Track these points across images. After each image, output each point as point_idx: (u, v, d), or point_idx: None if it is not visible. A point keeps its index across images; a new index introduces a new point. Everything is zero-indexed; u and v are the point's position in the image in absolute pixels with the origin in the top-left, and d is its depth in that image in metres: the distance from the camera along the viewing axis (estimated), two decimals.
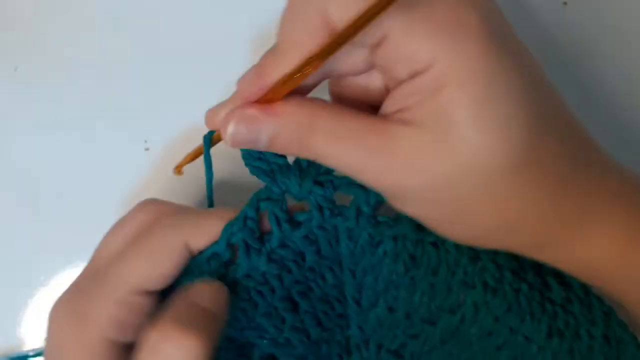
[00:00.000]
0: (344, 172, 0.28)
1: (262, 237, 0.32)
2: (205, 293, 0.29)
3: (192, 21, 0.43)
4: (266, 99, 0.28)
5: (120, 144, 0.42)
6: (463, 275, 0.31)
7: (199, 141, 0.38)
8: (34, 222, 0.42)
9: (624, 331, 0.32)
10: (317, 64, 0.26)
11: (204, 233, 0.31)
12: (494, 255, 0.32)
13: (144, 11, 0.43)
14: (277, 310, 0.32)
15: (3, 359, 0.40)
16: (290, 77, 0.27)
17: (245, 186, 0.38)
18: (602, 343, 0.32)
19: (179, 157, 0.42)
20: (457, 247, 0.31)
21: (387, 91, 0.29)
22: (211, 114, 0.31)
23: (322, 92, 0.31)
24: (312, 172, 0.31)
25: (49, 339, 0.30)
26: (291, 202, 0.32)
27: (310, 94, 0.30)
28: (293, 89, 0.27)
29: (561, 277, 0.33)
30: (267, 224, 0.32)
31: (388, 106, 0.28)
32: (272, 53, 0.28)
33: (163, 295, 0.30)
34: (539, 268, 0.33)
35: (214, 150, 0.36)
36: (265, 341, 0.33)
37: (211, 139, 0.32)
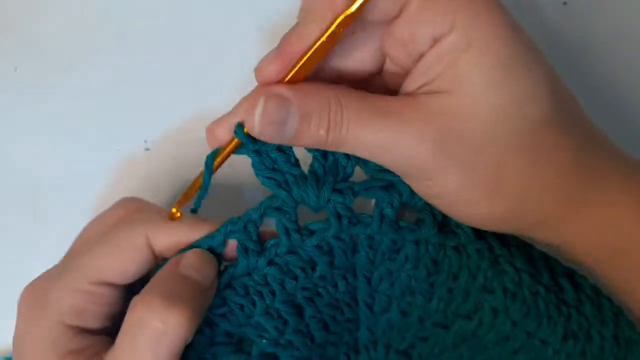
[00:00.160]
0: (375, 154, 0.27)
1: (262, 240, 0.31)
2: (194, 264, 0.29)
3: (193, 21, 0.43)
4: (288, 81, 0.27)
5: (121, 144, 0.42)
6: (483, 279, 0.31)
7: (198, 142, 0.38)
8: (34, 222, 0.42)
9: (632, 331, 0.32)
10: (339, 31, 0.26)
11: (167, 233, 0.30)
12: (512, 258, 0.32)
13: (145, 11, 0.43)
14: (279, 313, 0.32)
15: (3, 359, 0.40)
16: (313, 48, 0.26)
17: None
18: (613, 343, 0.32)
19: (179, 157, 0.42)
20: (479, 251, 0.31)
21: (402, 74, 0.29)
22: (211, 129, 0.30)
23: None
24: (329, 180, 0.30)
25: (16, 323, 0.31)
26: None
27: None
28: (316, 63, 0.27)
29: (572, 278, 0.33)
30: (267, 236, 0.31)
31: (409, 85, 0.28)
32: (290, 31, 0.28)
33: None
34: (551, 269, 0.33)
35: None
36: (264, 340, 0.33)
37: (213, 161, 0.30)
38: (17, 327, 0.31)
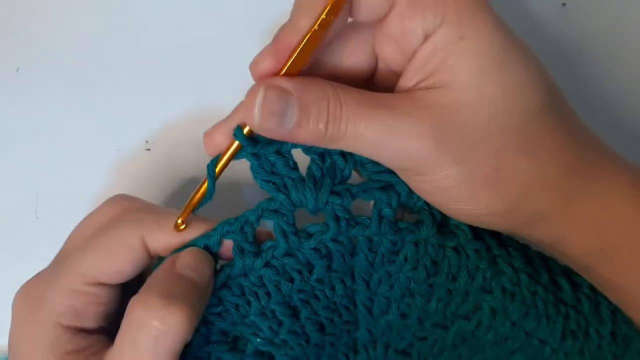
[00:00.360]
0: (373, 149, 0.27)
1: (259, 242, 0.31)
2: (190, 263, 0.29)
3: (194, 22, 0.43)
4: (284, 74, 0.27)
5: (121, 144, 0.42)
6: (482, 280, 0.31)
7: (199, 142, 0.38)
8: (34, 222, 0.42)
9: (629, 328, 0.32)
10: (330, 19, 0.26)
11: (163, 233, 0.30)
12: (510, 258, 0.32)
13: (145, 12, 0.43)
14: (274, 313, 0.32)
15: (3, 359, 0.40)
16: (305, 38, 0.26)
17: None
18: (611, 341, 0.32)
19: (180, 157, 0.42)
20: (477, 251, 0.31)
21: (396, 75, 0.29)
22: (209, 135, 0.30)
23: None
24: (327, 182, 0.30)
25: (11, 325, 0.31)
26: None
27: None
28: (310, 55, 0.27)
29: (569, 277, 0.33)
30: (263, 236, 0.31)
31: (404, 83, 0.28)
32: (284, 24, 0.28)
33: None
34: (548, 269, 0.33)
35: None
36: (259, 339, 0.33)
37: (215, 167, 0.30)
38: (12, 329, 0.31)
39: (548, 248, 0.31)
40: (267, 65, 0.27)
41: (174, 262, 0.29)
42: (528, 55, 0.27)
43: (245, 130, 0.28)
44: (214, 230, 0.30)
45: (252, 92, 0.27)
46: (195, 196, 0.30)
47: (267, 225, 0.31)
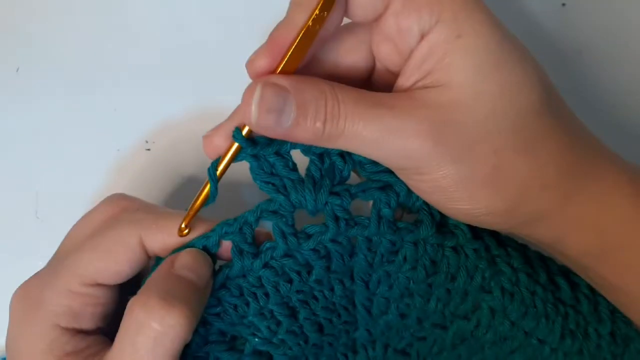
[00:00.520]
0: (371, 148, 0.27)
1: (258, 243, 0.31)
2: (189, 264, 0.29)
3: (194, 22, 0.43)
4: (280, 72, 0.27)
5: (121, 144, 0.42)
6: (481, 280, 0.31)
7: (199, 142, 0.37)
8: (34, 222, 0.42)
9: (629, 328, 0.32)
10: (323, 15, 0.26)
11: (161, 233, 0.30)
12: (509, 258, 0.32)
13: (145, 12, 0.43)
14: (273, 313, 0.32)
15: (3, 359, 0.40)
16: (300, 34, 0.26)
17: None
18: (610, 341, 0.32)
19: (180, 158, 0.42)
20: (476, 251, 0.31)
21: (393, 75, 0.29)
22: (208, 137, 0.30)
23: None
24: (326, 183, 0.29)
25: (8, 326, 0.31)
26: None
27: None
28: (306, 52, 0.27)
29: (567, 277, 0.33)
30: (262, 237, 0.31)
31: (402, 83, 0.28)
32: (279, 22, 0.28)
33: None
34: (547, 269, 0.33)
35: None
36: (257, 339, 0.33)
37: (216, 170, 0.29)
38: (10, 330, 0.30)
39: (547, 248, 0.31)
40: (263, 63, 0.27)
41: (173, 263, 0.29)
42: (525, 55, 0.27)
43: (244, 132, 0.28)
44: (212, 231, 0.30)
45: (249, 91, 0.27)
46: (198, 200, 0.30)
47: (266, 226, 0.31)
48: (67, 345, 0.29)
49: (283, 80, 0.26)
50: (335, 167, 0.30)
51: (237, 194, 0.40)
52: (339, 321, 0.34)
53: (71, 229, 0.32)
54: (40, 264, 0.32)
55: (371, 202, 0.30)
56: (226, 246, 0.30)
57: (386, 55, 0.29)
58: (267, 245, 0.30)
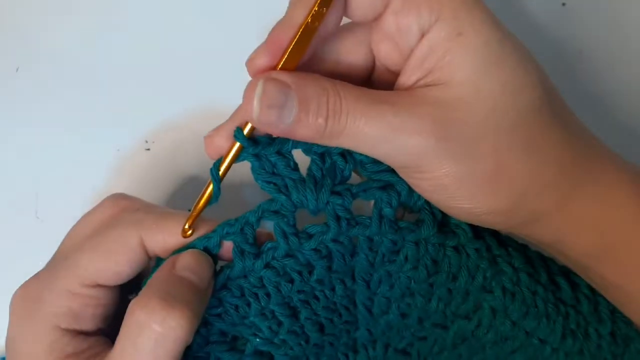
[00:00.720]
0: (373, 146, 0.27)
1: (259, 243, 0.31)
2: (190, 265, 0.29)
3: (194, 22, 0.43)
4: (281, 69, 0.27)
5: (121, 144, 0.42)
6: (482, 279, 0.31)
7: (199, 142, 0.37)
8: (34, 222, 0.42)
9: (629, 328, 0.32)
10: (322, 11, 0.26)
11: (162, 234, 0.30)
12: (510, 257, 0.32)
13: (145, 12, 0.43)
14: (274, 314, 0.32)
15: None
16: (299, 31, 0.26)
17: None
18: (610, 341, 0.32)
19: (180, 158, 0.42)
20: (478, 250, 0.31)
21: (393, 75, 0.29)
22: (210, 138, 0.30)
23: None
24: (327, 183, 0.29)
25: (8, 327, 0.30)
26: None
27: None
28: (305, 49, 0.27)
29: (568, 277, 0.33)
30: (264, 237, 0.31)
31: (403, 82, 0.28)
32: (279, 21, 0.27)
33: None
34: (547, 269, 0.33)
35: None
36: (258, 340, 0.33)
37: (218, 170, 0.29)
38: (10, 331, 0.30)
39: (547, 248, 0.31)
40: (263, 61, 0.27)
41: (174, 264, 0.29)
42: (526, 54, 0.28)
43: (246, 131, 0.28)
44: (213, 231, 0.30)
45: (250, 87, 0.27)
46: (201, 200, 0.30)
47: (268, 226, 0.31)
48: (67, 347, 0.29)
49: (285, 76, 0.26)
50: (336, 167, 0.30)
51: (238, 194, 0.40)
52: (339, 321, 0.33)
53: (71, 229, 0.32)
54: (40, 264, 0.32)
55: (372, 202, 0.30)
56: (227, 247, 0.30)
57: (386, 55, 0.29)
58: (269, 245, 0.30)
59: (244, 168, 0.30)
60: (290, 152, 0.30)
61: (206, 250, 0.30)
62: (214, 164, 0.29)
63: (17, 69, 0.43)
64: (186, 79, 0.42)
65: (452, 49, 0.26)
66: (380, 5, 0.27)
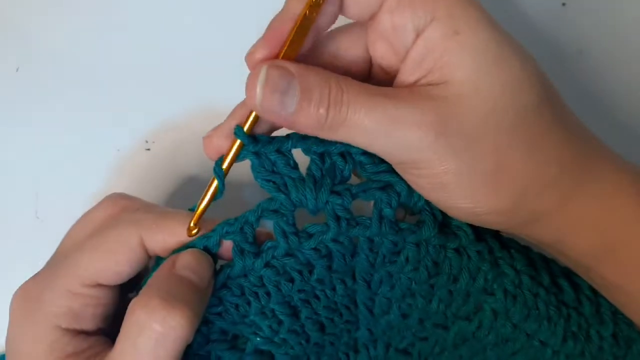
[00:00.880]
0: (372, 139, 0.27)
1: (259, 242, 0.31)
2: (190, 264, 0.29)
3: (194, 22, 0.43)
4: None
5: (121, 144, 0.42)
6: (484, 281, 0.31)
7: (199, 142, 0.37)
8: (34, 222, 0.42)
9: (631, 329, 0.32)
10: (318, 2, 0.26)
11: (162, 233, 0.30)
12: (512, 260, 0.32)
13: (145, 11, 0.43)
14: (274, 313, 0.32)
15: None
16: (299, 20, 0.26)
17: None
18: (612, 343, 0.32)
19: (180, 158, 0.42)
20: (479, 252, 0.31)
21: (390, 77, 0.29)
22: (208, 138, 0.30)
23: None
24: (327, 182, 0.29)
25: (8, 327, 0.30)
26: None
27: None
28: (303, 40, 0.27)
29: (570, 279, 0.33)
30: (263, 236, 0.31)
31: (402, 82, 0.28)
32: (277, 14, 0.28)
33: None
34: (549, 270, 0.33)
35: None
36: (259, 338, 0.33)
37: (221, 166, 0.29)
38: (10, 331, 0.30)
39: (548, 248, 0.31)
40: (262, 55, 0.27)
41: (174, 263, 0.29)
42: (523, 52, 0.27)
43: (245, 129, 0.28)
44: (213, 231, 0.30)
45: (253, 74, 0.27)
46: (204, 198, 0.30)
47: (267, 225, 0.31)
48: (68, 347, 0.29)
49: (288, 64, 0.27)
50: (336, 167, 0.30)
51: (238, 193, 0.40)
52: (340, 320, 0.33)
53: (70, 229, 0.32)
54: (40, 263, 0.32)
55: (372, 203, 0.30)
56: (227, 246, 0.30)
57: (382, 55, 0.29)
58: (269, 244, 0.30)
59: (244, 168, 0.30)
60: (290, 150, 0.30)
61: (206, 249, 0.30)
62: (217, 162, 0.29)
63: (17, 69, 0.43)
64: (186, 79, 0.42)
65: (450, 49, 0.26)
66: (375, 3, 0.27)
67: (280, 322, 0.32)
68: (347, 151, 0.30)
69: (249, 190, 0.41)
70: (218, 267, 0.31)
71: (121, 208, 0.32)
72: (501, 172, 0.27)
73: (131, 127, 0.42)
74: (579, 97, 0.31)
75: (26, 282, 0.31)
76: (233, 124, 0.29)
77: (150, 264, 0.31)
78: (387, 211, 0.30)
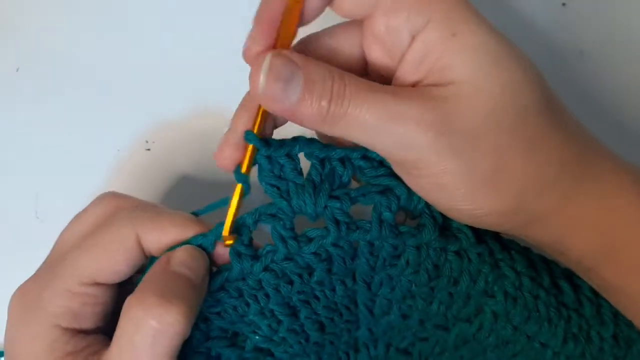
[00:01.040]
0: (371, 136, 0.27)
1: (255, 246, 0.31)
2: (185, 260, 0.29)
3: (194, 22, 0.43)
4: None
5: (121, 144, 0.42)
6: (484, 284, 0.31)
7: (199, 142, 0.38)
8: (34, 222, 0.42)
9: (631, 330, 0.32)
10: None
11: (158, 231, 0.30)
12: (512, 262, 0.32)
13: (145, 12, 0.43)
14: (273, 313, 0.32)
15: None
16: (289, 9, 0.26)
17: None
18: (612, 344, 0.32)
19: (180, 158, 0.42)
20: (480, 255, 0.31)
21: (386, 80, 0.29)
22: (219, 153, 0.30)
23: None
24: (326, 187, 0.29)
25: (7, 327, 0.30)
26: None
27: None
28: (295, 26, 0.27)
29: (570, 280, 0.33)
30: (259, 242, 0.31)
31: (400, 83, 0.28)
32: (261, 3, 0.28)
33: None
34: (550, 272, 0.33)
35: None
36: (258, 337, 0.33)
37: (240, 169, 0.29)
38: (8, 332, 0.30)
39: (548, 249, 0.31)
40: (260, 47, 0.27)
41: (169, 259, 0.29)
42: (521, 54, 0.27)
43: (255, 132, 0.28)
44: (210, 231, 0.30)
45: (257, 64, 0.26)
46: (233, 204, 0.29)
47: (266, 229, 0.30)
48: (67, 346, 0.29)
49: (292, 55, 0.26)
50: (335, 173, 0.30)
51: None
52: (340, 320, 0.34)
53: (64, 229, 0.32)
54: (40, 264, 0.32)
55: (372, 207, 0.30)
56: (221, 253, 0.30)
57: (377, 56, 0.29)
58: (268, 248, 0.30)
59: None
60: (297, 155, 0.30)
61: (202, 248, 0.30)
62: (236, 170, 0.29)
63: (17, 69, 0.43)
64: (186, 79, 0.42)
65: (448, 50, 0.26)
66: (368, 3, 0.27)
67: (279, 322, 0.32)
68: (346, 156, 0.30)
69: (252, 193, 0.40)
70: (215, 270, 0.31)
71: (115, 207, 0.32)
72: (501, 173, 0.27)
73: (131, 127, 0.42)
74: (579, 97, 0.31)
75: (24, 282, 0.31)
76: (237, 132, 0.29)
77: (146, 263, 0.31)
78: (387, 215, 0.30)
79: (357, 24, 0.29)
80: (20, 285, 0.31)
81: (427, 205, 0.30)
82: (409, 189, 0.29)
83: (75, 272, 0.30)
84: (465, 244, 0.31)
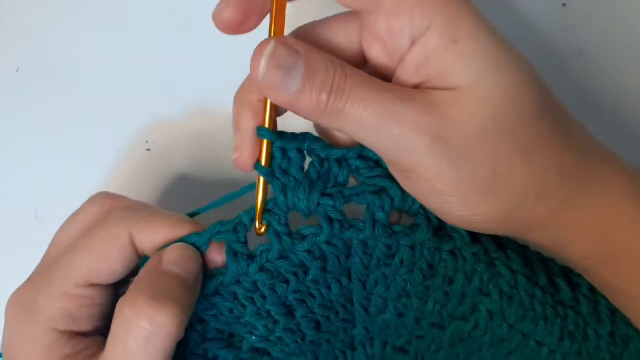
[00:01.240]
0: (368, 133, 0.26)
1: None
2: (177, 259, 0.29)
3: (193, 22, 0.43)
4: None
5: (121, 144, 0.42)
6: (479, 282, 0.31)
7: (199, 142, 0.38)
8: (34, 222, 0.42)
9: (628, 328, 0.32)
10: None
11: (151, 231, 0.30)
12: (508, 260, 0.32)
13: (145, 12, 0.43)
14: (269, 313, 0.32)
15: None
16: None
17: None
18: (609, 341, 0.32)
19: (180, 158, 0.42)
20: (474, 254, 0.31)
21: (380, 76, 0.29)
22: (238, 159, 0.29)
23: None
24: (319, 185, 0.29)
25: (4, 331, 0.30)
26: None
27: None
28: (284, 10, 0.27)
29: (568, 278, 0.33)
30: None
31: (400, 84, 0.27)
32: None
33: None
34: (547, 270, 0.33)
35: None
36: (254, 337, 0.33)
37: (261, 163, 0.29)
38: (6, 336, 0.30)
39: (547, 251, 0.31)
40: (230, 15, 0.27)
41: (160, 259, 0.29)
42: (521, 59, 0.27)
43: (266, 126, 0.28)
44: (205, 230, 0.30)
45: (260, 47, 0.26)
46: (258, 197, 0.30)
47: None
48: (65, 348, 0.29)
49: (296, 43, 0.26)
50: (330, 172, 0.30)
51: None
52: (336, 318, 0.34)
53: (58, 231, 0.32)
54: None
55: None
56: (212, 257, 0.30)
57: (377, 55, 0.29)
58: (262, 247, 0.30)
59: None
60: (304, 151, 0.30)
61: (195, 247, 0.30)
62: (257, 166, 0.29)
63: (17, 69, 0.43)
64: (186, 79, 0.42)
65: (448, 57, 0.26)
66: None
67: (275, 322, 0.32)
68: (343, 157, 0.30)
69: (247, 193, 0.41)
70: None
71: (109, 207, 0.32)
72: (499, 179, 0.27)
73: (131, 127, 0.42)
74: (579, 97, 0.31)
75: (20, 286, 0.31)
76: (247, 132, 0.29)
77: (139, 263, 0.31)
78: (380, 215, 0.30)
79: (354, 16, 0.29)
80: (17, 288, 0.31)
81: (422, 206, 0.30)
82: (403, 191, 0.29)
83: (70, 273, 0.30)
84: (460, 244, 0.31)
